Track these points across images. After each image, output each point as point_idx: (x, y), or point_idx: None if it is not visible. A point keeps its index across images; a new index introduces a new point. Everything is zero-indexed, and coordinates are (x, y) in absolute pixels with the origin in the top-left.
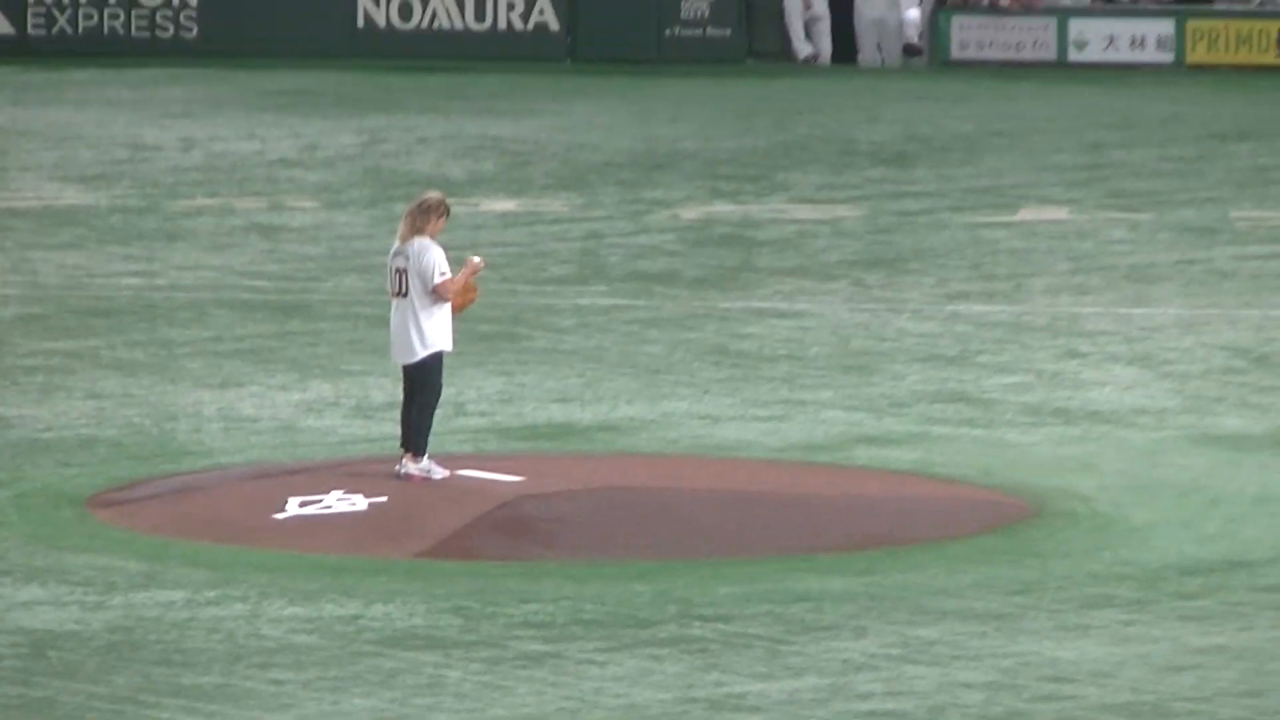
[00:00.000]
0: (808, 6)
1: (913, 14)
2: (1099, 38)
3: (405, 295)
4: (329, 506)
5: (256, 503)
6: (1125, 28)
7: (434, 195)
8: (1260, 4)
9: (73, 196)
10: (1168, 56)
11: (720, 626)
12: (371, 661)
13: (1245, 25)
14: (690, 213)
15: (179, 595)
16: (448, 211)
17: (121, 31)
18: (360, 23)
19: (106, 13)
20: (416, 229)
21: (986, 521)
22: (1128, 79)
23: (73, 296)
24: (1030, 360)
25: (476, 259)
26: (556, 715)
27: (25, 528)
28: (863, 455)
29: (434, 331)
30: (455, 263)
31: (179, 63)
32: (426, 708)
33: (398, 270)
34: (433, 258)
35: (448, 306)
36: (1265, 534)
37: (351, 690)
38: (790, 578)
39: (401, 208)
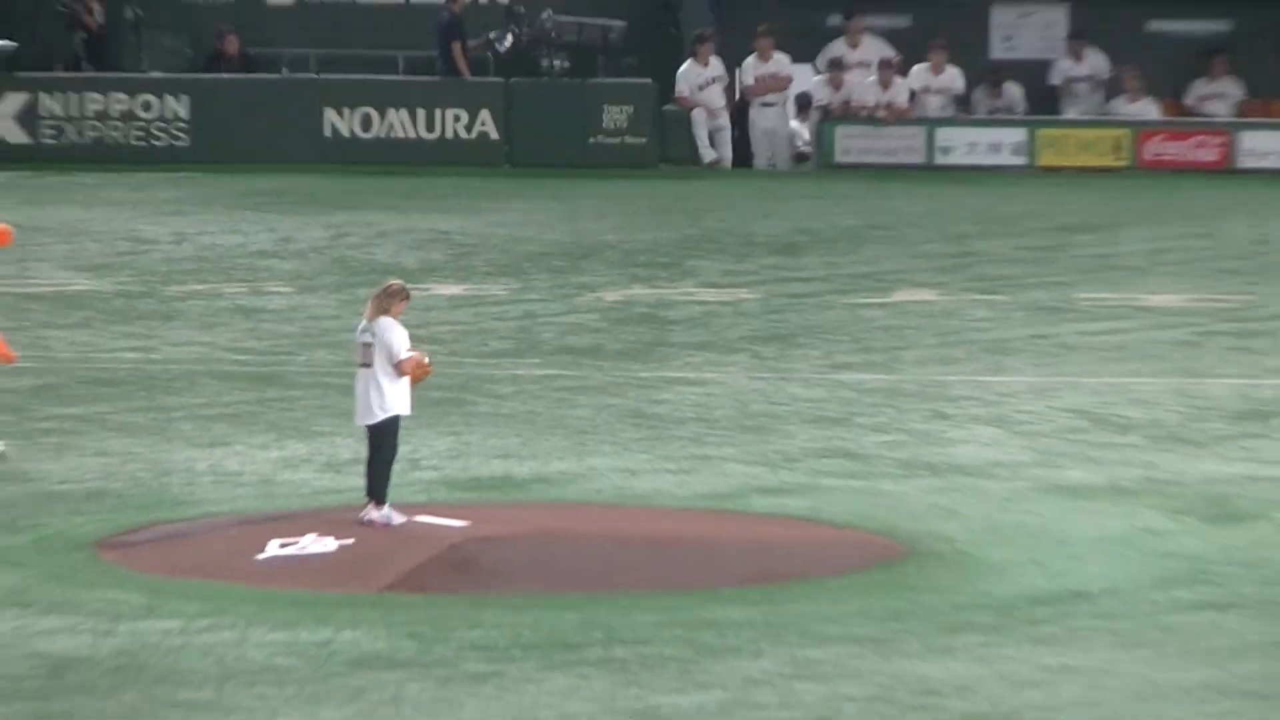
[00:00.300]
0: (712, 118)
1: (798, 125)
2: (962, 144)
3: (370, 366)
4: (304, 548)
5: (241, 545)
6: (984, 135)
7: (397, 282)
8: (1100, 114)
9: (81, 283)
10: (1021, 160)
11: (639, 649)
12: (342, 680)
13: (1088, 133)
14: (612, 295)
15: (175, 624)
16: (408, 296)
17: (122, 141)
18: (327, 133)
19: (108, 125)
20: (382, 310)
21: (865, 559)
22: (987, 180)
23: (82, 369)
24: (903, 421)
25: (427, 360)
26: None
27: (43, 567)
28: (760, 503)
29: (393, 398)
30: (414, 338)
31: (172, 168)
32: (388, 718)
33: (364, 345)
34: (396, 336)
35: (406, 379)
36: (1102, 570)
37: (325, 704)
38: (698, 607)
39: (364, 292)
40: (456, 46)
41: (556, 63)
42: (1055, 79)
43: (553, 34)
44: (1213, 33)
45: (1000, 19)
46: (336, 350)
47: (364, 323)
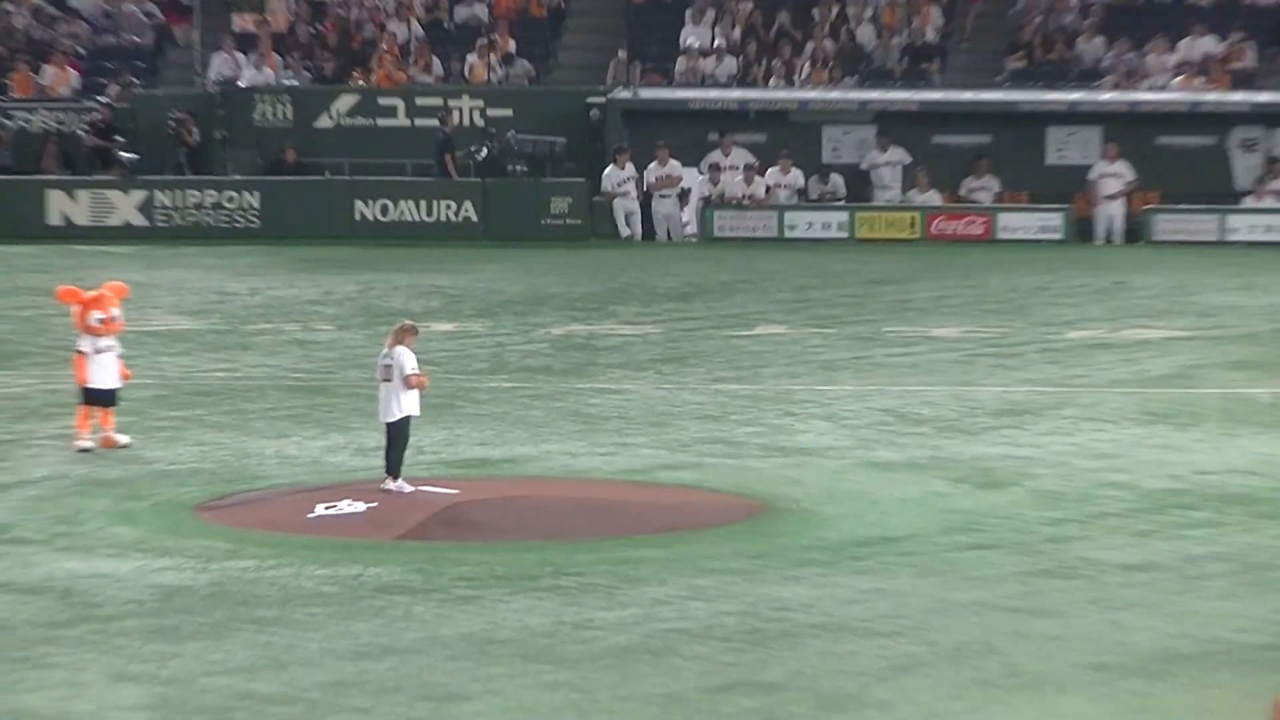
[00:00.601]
0: (627, 205)
1: (688, 212)
2: (803, 223)
3: (389, 381)
4: (341, 509)
5: (297, 507)
6: (818, 217)
7: (409, 322)
8: (900, 202)
9: (184, 323)
10: (845, 234)
11: (578, 578)
12: (368, 602)
13: (892, 214)
14: (557, 330)
15: (251, 563)
16: (417, 331)
17: (212, 223)
18: (357, 217)
19: (203, 212)
20: (398, 341)
21: (737, 515)
22: (820, 248)
23: (184, 383)
24: (763, 418)
25: (425, 380)
26: (481, 631)
27: (157, 524)
28: (663, 476)
29: (405, 403)
30: (421, 361)
31: (248, 242)
32: (402, 629)
33: (385, 365)
34: (407, 360)
35: (414, 390)
36: (904, 521)
37: (357, 619)
38: (620, 549)
39: (384, 329)
40: (448, 157)
41: (518, 168)
42: (865, 165)
43: (515, 147)
44: (978, 143)
45: (829, 135)
46: (364, 370)
47: (385, 350)
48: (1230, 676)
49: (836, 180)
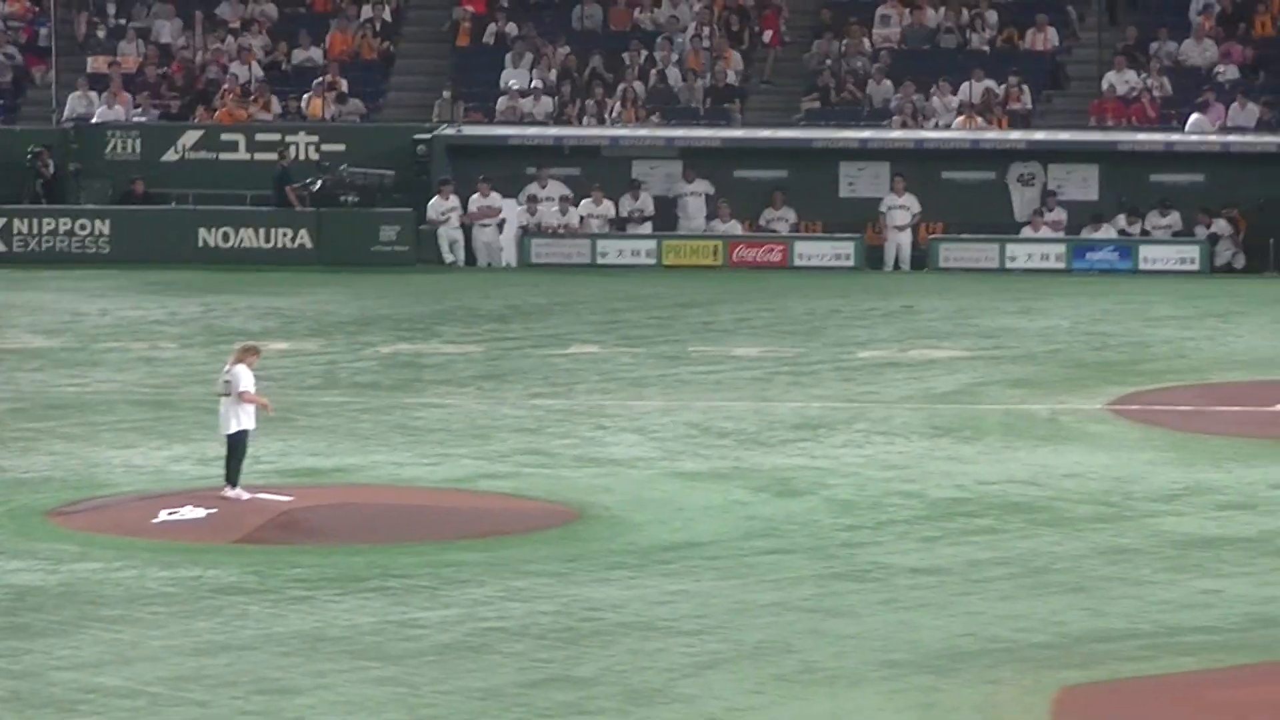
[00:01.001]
0: (450, 234)
1: (506, 240)
2: (614, 250)
3: (229, 396)
4: (183, 515)
5: (142, 513)
6: (617, 244)
7: (253, 343)
8: (705, 231)
9: (39, 342)
10: (653, 260)
11: (404, 580)
12: (207, 601)
13: (696, 243)
14: (386, 349)
15: (98, 565)
16: (259, 352)
17: (67, 249)
18: (200, 244)
19: (58, 239)
20: (240, 360)
21: (553, 521)
22: (629, 273)
23: (39, 398)
24: (576, 431)
25: (269, 403)
26: (310, 629)
27: (11, 528)
28: (484, 485)
29: (243, 417)
30: (259, 379)
31: (99, 267)
32: (239, 627)
33: (225, 382)
34: (243, 378)
35: (251, 405)
36: (708, 527)
37: (197, 617)
38: (443, 553)
39: (226, 348)
40: (289, 189)
41: (350, 198)
42: (672, 193)
43: (347, 180)
44: (776, 177)
45: (639, 169)
46: (206, 385)
47: (227, 368)
48: (1012, 673)
49: (646, 198)
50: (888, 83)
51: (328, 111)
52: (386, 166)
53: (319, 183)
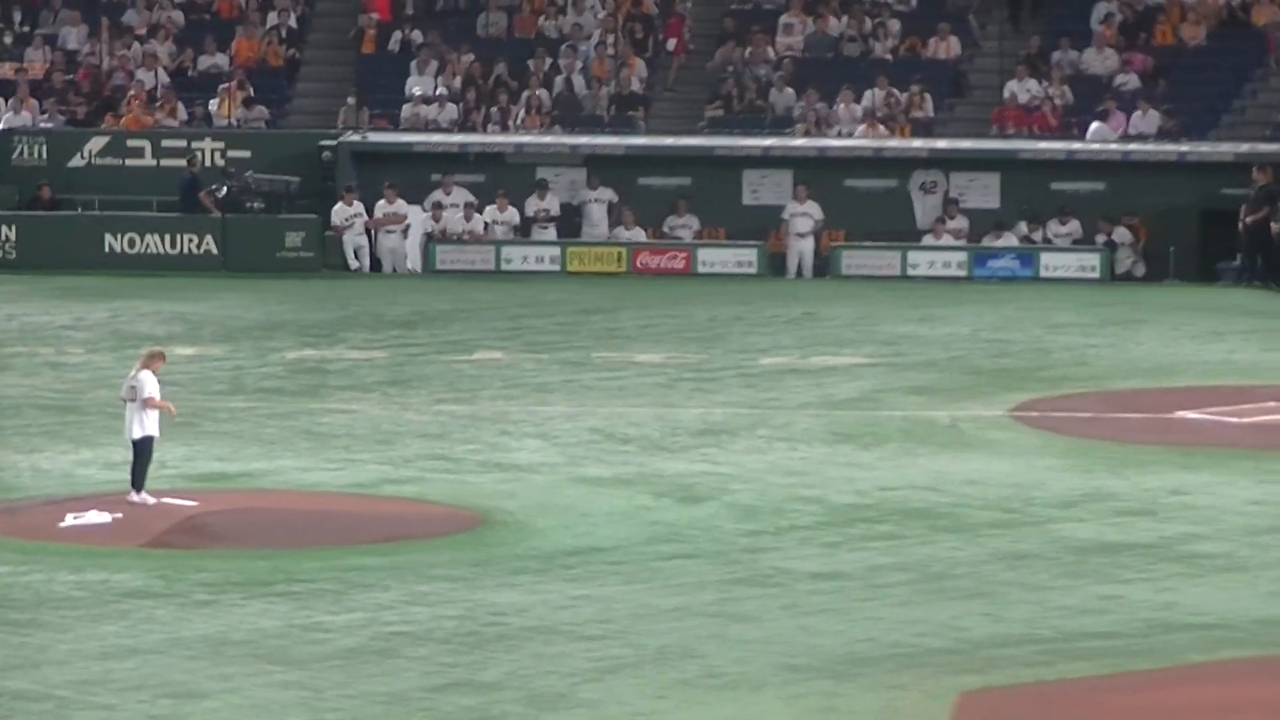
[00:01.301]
0: (355, 239)
1: (411, 246)
2: (518, 257)
3: (134, 401)
4: (90, 519)
5: (49, 517)
6: (533, 251)
7: (159, 348)
8: (608, 238)
9: None
10: (557, 267)
11: (308, 584)
12: (114, 605)
13: (601, 249)
14: (291, 355)
15: (6, 569)
16: (164, 357)
17: None
18: (106, 250)
19: None
20: (145, 366)
21: (457, 526)
22: (534, 280)
23: None
24: (480, 437)
25: (172, 408)
26: (216, 633)
27: None
28: (388, 490)
29: (148, 422)
30: (164, 384)
31: (5, 272)
32: (145, 630)
33: (131, 387)
34: (148, 383)
35: (156, 410)
36: (611, 532)
37: (104, 621)
38: (347, 557)
39: (133, 353)
40: (203, 196)
41: (255, 205)
42: (575, 200)
43: (253, 186)
44: (680, 185)
45: (542, 172)
46: (113, 390)
47: (132, 373)
48: (912, 678)
49: (552, 199)
50: (790, 91)
51: (234, 115)
52: (292, 172)
53: (225, 189)
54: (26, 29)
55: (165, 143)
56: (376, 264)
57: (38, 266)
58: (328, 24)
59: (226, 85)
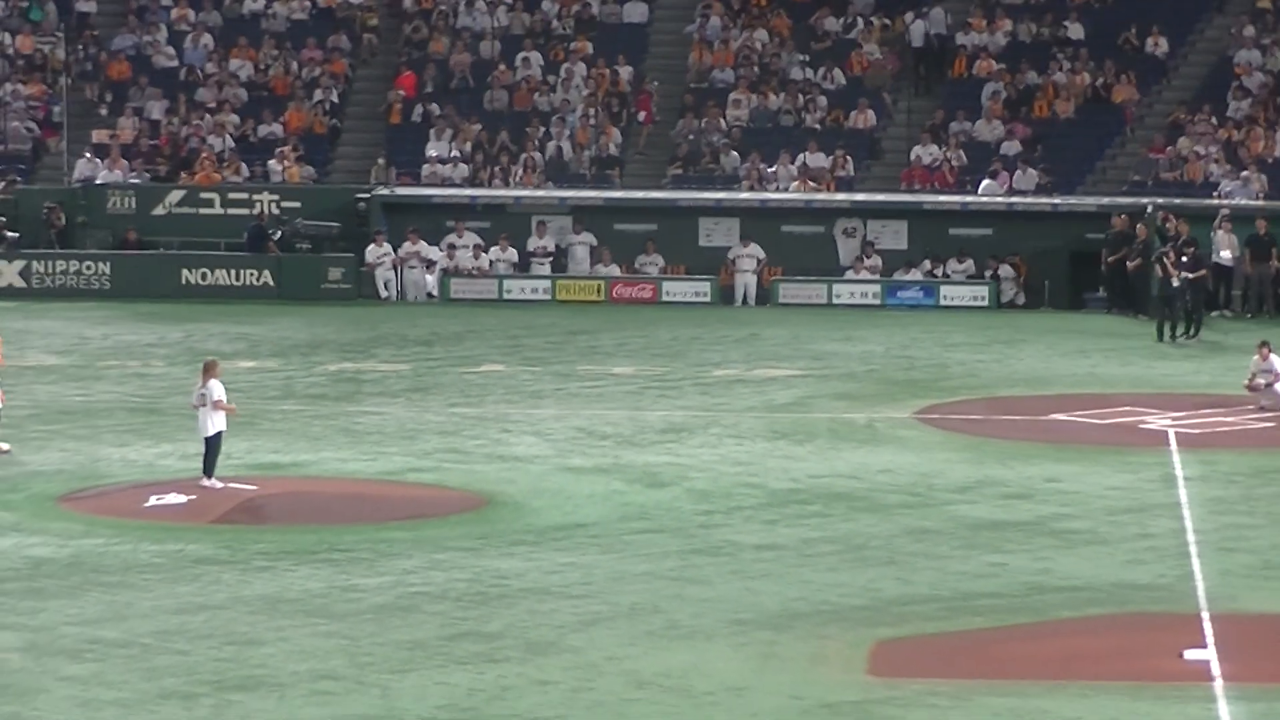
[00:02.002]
0: (385, 274)
1: (431, 280)
2: (517, 288)
3: (205, 405)
4: (169, 500)
5: (135, 499)
6: (529, 283)
7: (212, 359)
8: (590, 273)
9: (52, 360)
10: (549, 296)
11: (348, 553)
12: (188, 570)
13: (584, 282)
14: (333, 367)
15: (100, 541)
16: (219, 366)
17: (75, 286)
18: (183, 282)
19: (68, 277)
20: (209, 374)
21: (468, 506)
22: (530, 307)
23: (52, 405)
24: (486, 434)
25: (235, 409)
26: (271, 593)
27: (30, 510)
28: (412, 477)
29: (217, 422)
30: (229, 390)
31: (101, 300)
32: (214, 591)
33: (201, 394)
34: (217, 389)
35: (223, 412)
36: (592, 512)
37: (179, 583)
38: (379, 531)
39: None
40: (269, 244)
41: (304, 245)
42: (564, 243)
43: (302, 230)
44: (648, 229)
45: (536, 219)
46: (188, 395)
47: (200, 384)
48: (837, 630)
49: (549, 238)
50: (735, 154)
51: (300, 174)
52: (333, 220)
53: (279, 232)
54: (119, 101)
55: (231, 195)
56: (402, 294)
57: (127, 295)
58: (363, 99)
59: (283, 149)
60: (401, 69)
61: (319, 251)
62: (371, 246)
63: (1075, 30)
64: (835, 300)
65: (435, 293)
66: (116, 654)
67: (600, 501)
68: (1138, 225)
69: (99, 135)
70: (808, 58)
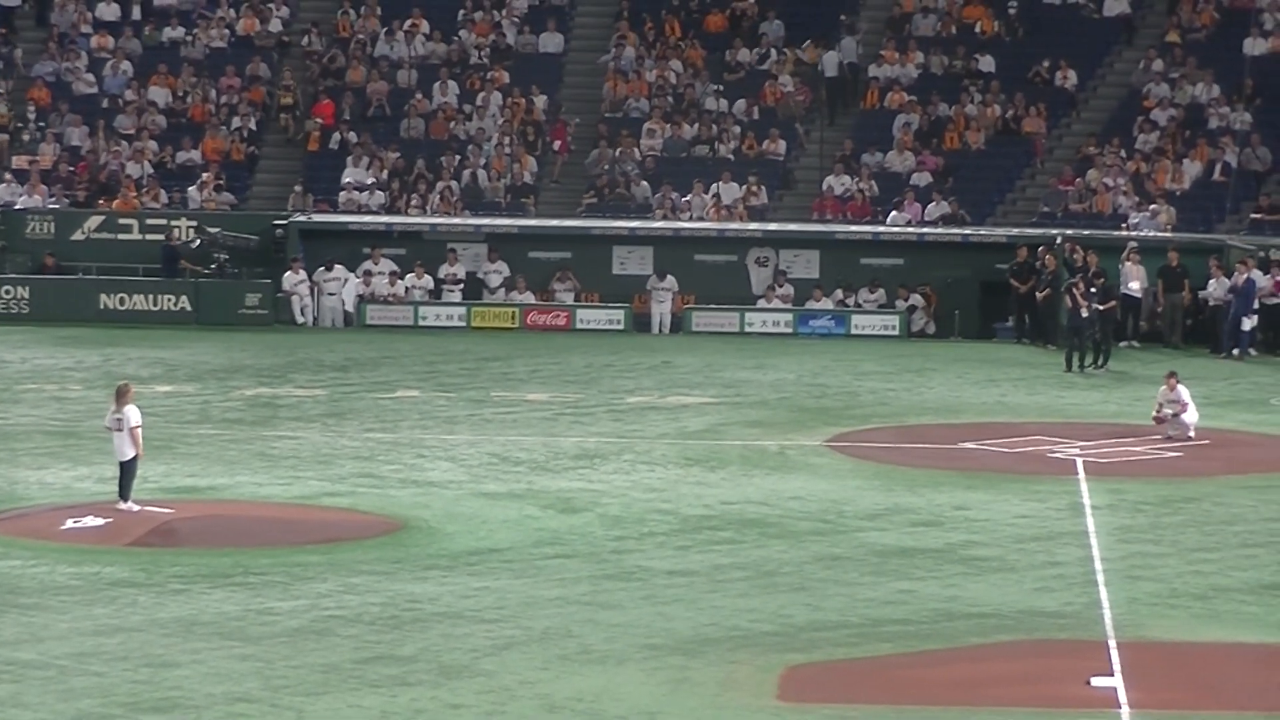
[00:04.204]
0: (301, 299)
1: (348, 305)
2: (432, 315)
3: (120, 430)
4: (86, 523)
5: (52, 521)
6: (444, 310)
7: (125, 383)
8: (504, 300)
9: None
10: (464, 323)
11: (261, 576)
12: (105, 592)
13: (499, 309)
14: (249, 392)
15: (17, 562)
16: (132, 390)
17: None
18: (101, 306)
19: None
20: (123, 399)
21: (382, 530)
22: (445, 334)
23: None
24: (401, 459)
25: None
26: (187, 615)
27: None
28: (327, 501)
29: (132, 447)
30: (147, 415)
31: (20, 324)
32: (130, 613)
33: (116, 419)
34: (133, 414)
35: (139, 435)
36: (505, 537)
37: (96, 605)
38: (292, 556)
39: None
40: (183, 262)
41: (223, 256)
42: (480, 271)
43: (220, 240)
44: (562, 257)
45: (448, 247)
46: (101, 418)
47: (114, 408)
48: (748, 655)
49: (460, 266)
50: (646, 184)
51: (216, 201)
52: (249, 234)
53: (198, 242)
54: (40, 126)
55: (149, 221)
56: (318, 319)
57: (45, 320)
58: (280, 127)
59: (205, 177)
60: (320, 97)
61: (237, 264)
62: (288, 273)
63: (986, 63)
64: (748, 329)
65: (352, 318)
66: (33, 675)
67: (514, 527)
68: (1044, 256)
69: (19, 161)
70: (721, 88)
